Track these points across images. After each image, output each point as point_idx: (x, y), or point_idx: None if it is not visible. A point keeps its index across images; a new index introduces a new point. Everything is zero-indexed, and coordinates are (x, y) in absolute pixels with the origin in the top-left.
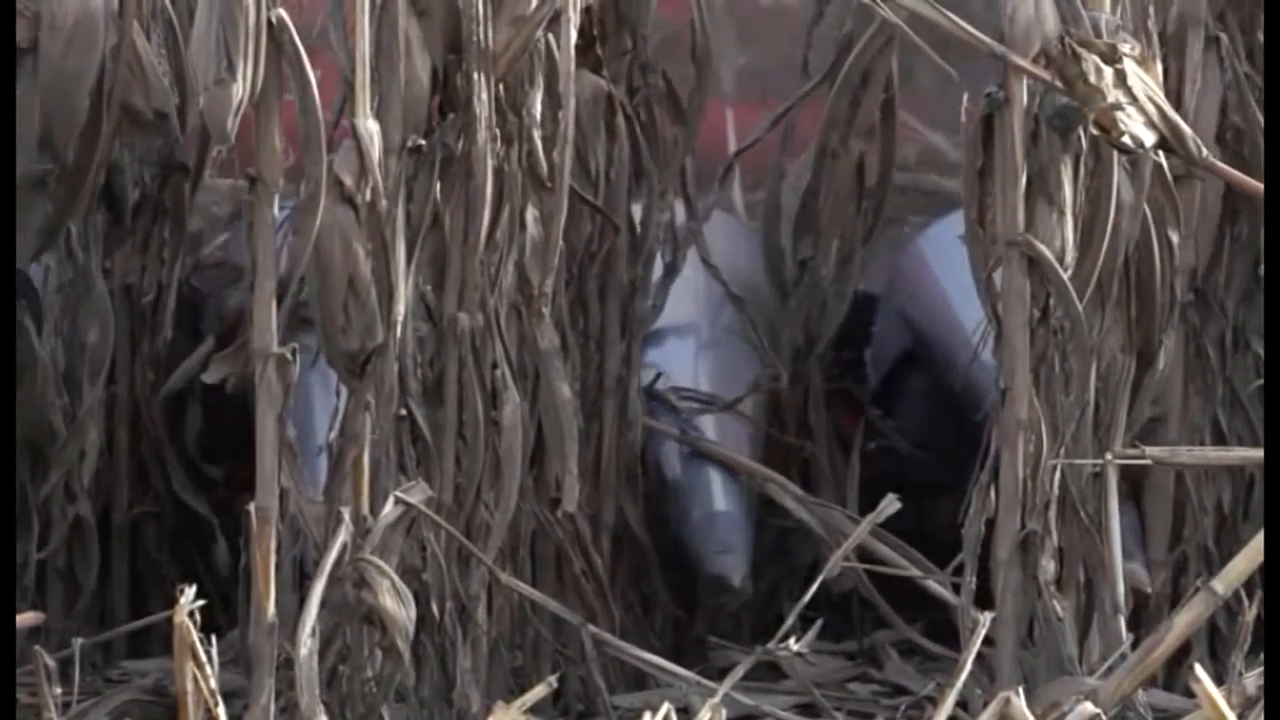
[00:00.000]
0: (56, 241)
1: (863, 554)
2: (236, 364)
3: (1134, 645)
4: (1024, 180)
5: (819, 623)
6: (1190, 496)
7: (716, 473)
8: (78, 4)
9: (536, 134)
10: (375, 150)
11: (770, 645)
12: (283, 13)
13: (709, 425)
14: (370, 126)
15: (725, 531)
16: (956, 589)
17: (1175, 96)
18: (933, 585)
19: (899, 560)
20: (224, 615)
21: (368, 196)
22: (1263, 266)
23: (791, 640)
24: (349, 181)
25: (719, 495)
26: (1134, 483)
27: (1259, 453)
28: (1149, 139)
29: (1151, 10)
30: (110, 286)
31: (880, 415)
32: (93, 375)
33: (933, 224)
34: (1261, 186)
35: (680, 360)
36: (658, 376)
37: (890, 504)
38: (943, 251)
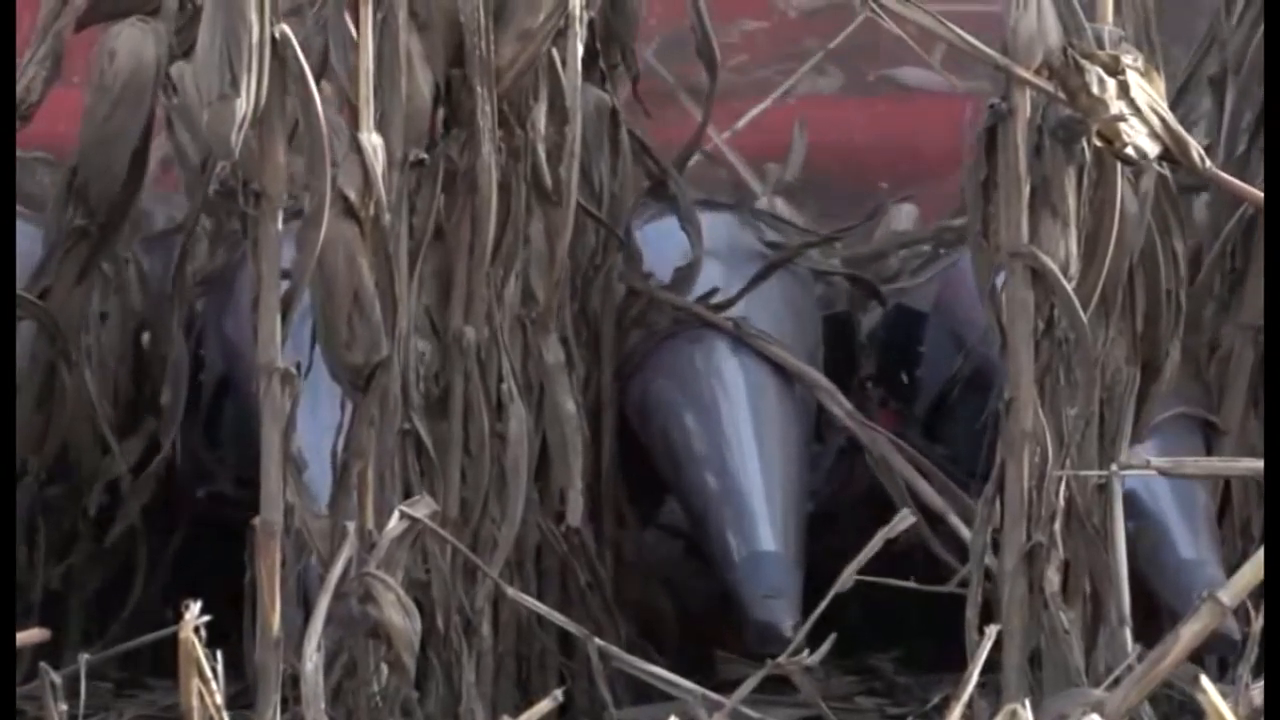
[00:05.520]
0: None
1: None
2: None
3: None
4: (1028, 191)
5: (832, 636)
6: (1234, 517)
7: (762, 507)
8: (129, 67)
9: (540, 148)
10: (379, 164)
11: (779, 659)
12: (286, 28)
13: (744, 415)
14: (373, 140)
15: (774, 574)
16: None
17: None
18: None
19: (945, 508)
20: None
21: (371, 210)
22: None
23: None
24: (353, 196)
25: (765, 534)
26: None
27: (1259, 463)
28: (1152, 150)
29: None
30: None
31: (931, 438)
32: (164, 433)
33: None
34: (1262, 196)
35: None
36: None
37: (904, 518)
38: None
